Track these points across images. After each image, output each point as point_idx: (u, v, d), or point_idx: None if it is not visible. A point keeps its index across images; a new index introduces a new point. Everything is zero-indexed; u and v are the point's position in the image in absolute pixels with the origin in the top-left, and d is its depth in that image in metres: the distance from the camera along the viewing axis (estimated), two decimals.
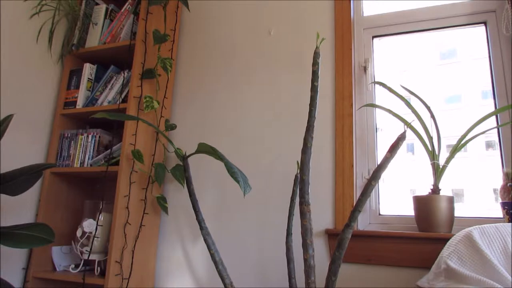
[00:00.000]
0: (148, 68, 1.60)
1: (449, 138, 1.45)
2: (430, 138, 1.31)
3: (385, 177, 1.55)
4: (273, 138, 1.59)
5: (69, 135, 1.68)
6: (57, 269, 1.58)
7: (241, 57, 1.75)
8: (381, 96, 1.55)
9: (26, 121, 1.62)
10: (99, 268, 1.52)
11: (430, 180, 1.31)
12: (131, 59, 1.60)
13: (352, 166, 1.43)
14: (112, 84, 1.67)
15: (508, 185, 1.18)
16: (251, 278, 1.48)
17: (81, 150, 1.63)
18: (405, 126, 0.97)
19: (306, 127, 1.00)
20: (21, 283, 1.53)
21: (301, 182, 0.99)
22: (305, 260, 0.97)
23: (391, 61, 1.67)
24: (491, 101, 1.40)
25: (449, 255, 0.93)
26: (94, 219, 1.51)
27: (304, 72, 1.61)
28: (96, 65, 1.75)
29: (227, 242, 1.55)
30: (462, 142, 1.26)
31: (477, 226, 0.97)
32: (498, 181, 1.23)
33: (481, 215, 1.32)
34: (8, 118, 1.25)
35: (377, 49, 1.61)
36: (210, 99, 1.75)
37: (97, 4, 1.82)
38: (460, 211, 1.34)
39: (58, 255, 1.61)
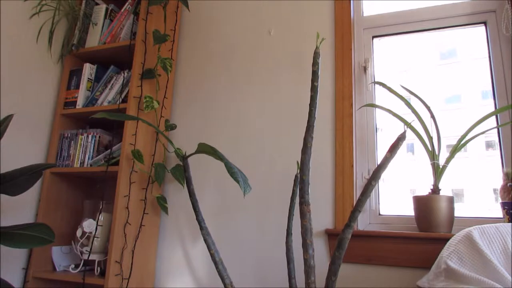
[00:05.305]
0: (148, 68, 1.60)
1: (449, 138, 1.45)
2: (430, 138, 1.31)
3: (385, 177, 1.55)
4: (273, 138, 1.59)
5: (69, 135, 1.68)
6: (57, 269, 1.58)
7: (241, 57, 1.75)
8: (381, 96, 1.55)
9: (26, 121, 1.62)
10: (99, 268, 1.52)
11: (430, 180, 1.31)
12: (131, 59, 1.60)
13: (352, 166, 1.43)
14: (112, 84, 1.67)
15: (508, 185, 1.18)
16: (251, 278, 1.48)
17: (81, 150, 1.63)
18: (405, 126, 0.97)
19: (306, 127, 1.00)
20: (21, 283, 1.53)
21: (301, 182, 0.99)
22: (305, 260, 0.97)
23: (391, 61, 1.67)
24: (491, 101, 1.39)
25: (449, 255, 0.93)
26: (94, 219, 1.51)
27: (304, 72, 1.61)
28: (96, 65, 1.75)
29: (227, 242, 1.55)
30: (462, 142, 1.26)
31: (477, 226, 0.97)
32: (498, 181, 1.23)
33: (481, 215, 1.32)
34: (8, 118, 1.25)
35: (377, 49, 1.61)
36: (210, 99, 1.75)
37: (97, 4, 1.82)
38: (460, 211, 1.34)
39: (58, 255, 1.61)
